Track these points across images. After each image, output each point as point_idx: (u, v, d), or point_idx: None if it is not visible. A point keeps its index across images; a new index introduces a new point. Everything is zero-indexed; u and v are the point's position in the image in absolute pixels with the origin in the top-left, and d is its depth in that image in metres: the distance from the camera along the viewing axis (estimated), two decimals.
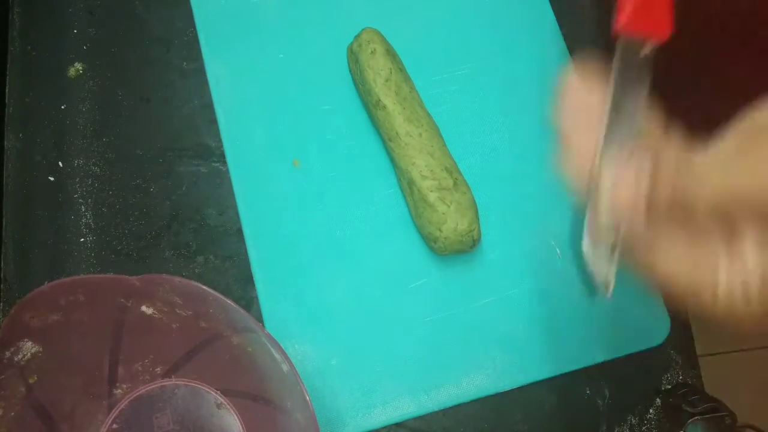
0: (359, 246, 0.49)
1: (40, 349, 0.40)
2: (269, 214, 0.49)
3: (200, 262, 0.49)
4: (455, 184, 0.47)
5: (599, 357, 0.49)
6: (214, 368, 0.45)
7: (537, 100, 0.54)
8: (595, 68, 0.42)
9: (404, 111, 0.48)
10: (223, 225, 0.50)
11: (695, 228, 0.30)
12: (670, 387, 0.49)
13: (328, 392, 0.46)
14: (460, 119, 0.52)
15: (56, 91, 0.52)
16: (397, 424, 0.47)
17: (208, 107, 0.51)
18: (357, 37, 0.50)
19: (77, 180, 0.50)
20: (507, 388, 0.48)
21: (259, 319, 0.47)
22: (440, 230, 0.46)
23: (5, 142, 0.50)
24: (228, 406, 0.45)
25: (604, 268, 0.32)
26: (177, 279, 0.39)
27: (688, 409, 0.45)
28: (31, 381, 0.40)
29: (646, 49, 0.34)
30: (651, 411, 0.49)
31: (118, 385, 0.44)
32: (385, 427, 0.47)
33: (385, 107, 0.48)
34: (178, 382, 0.45)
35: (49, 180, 0.50)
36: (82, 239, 0.49)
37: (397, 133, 0.47)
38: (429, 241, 0.47)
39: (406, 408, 0.47)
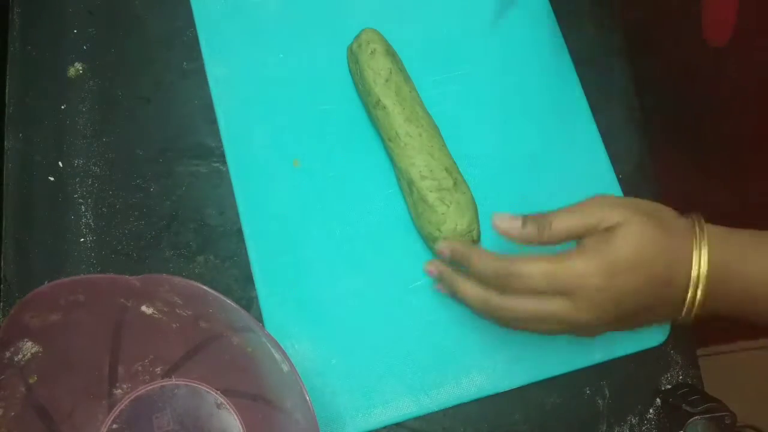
0: (359, 246, 0.49)
1: (40, 349, 0.40)
2: (269, 214, 0.49)
3: (200, 262, 0.49)
4: (455, 184, 0.47)
5: (599, 357, 0.49)
6: (214, 368, 0.45)
7: (537, 100, 0.54)
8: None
9: (404, 111, 0.48)
10: (223, 225, 0.50)
11: None
12: (670, 387, 0.49)
13: (328, 392, 0.46)
14: (460, 119, 0.52)
15: (56, 91, 0.51)
16: (397, 424, 0.47)
17: (208, 107, 0.51)
18: (357, 37, 0.50)
19: (77, 180, 0.50)
20: (507, 388, 0.48)
21: (259, 319, 0.47)
22: (440, 230, 0.46)
23: (5, 142, 0.50)
24: (228, 406, 0.45)
25: None
26: (177, 279, 0.39)
27: (688, 409, 0.45)
28: (31, 381, 0.40)
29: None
30: (651, 411, 0.49)
31: (118, 385, 0.44)
32: (385, 427, 0.47)
33: (384, 107, 0.48)
34: (178, 382, 0.45)
35: (49, 180, 0.50)
36: (82, 239, 0.49)
37: (396, 134, 0.47)
38: (429, 241, 0.47)
39: (406, 408, 0.47)
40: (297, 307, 0.48)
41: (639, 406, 0.49)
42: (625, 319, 0.41)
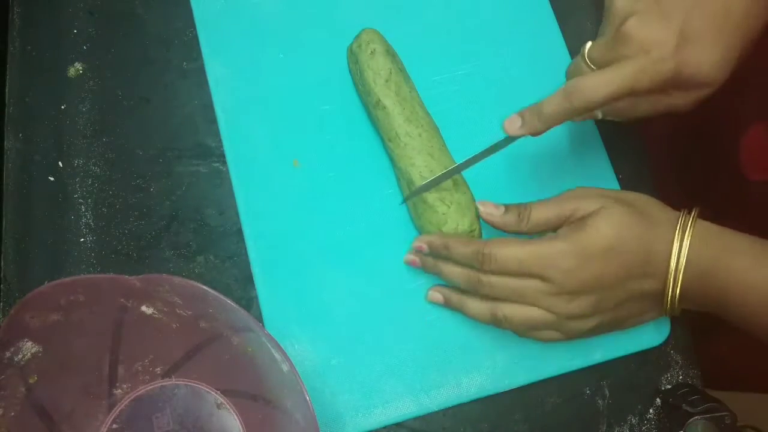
0: (359, 246, 0.49)
1: (40, 349, 0.40)
2: (269, 214, 0.49)
3: (200, 262, 0.49)
4: (455, 184, 0.47)
5: (599, 357, 0.49)
6: (214, 368, 0.45)
7: (537, 100, 0.54)
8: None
9: (404, 111, 0.48)
10: (223, 225, 0.50)
11: None
12: (670, 387, 0.49)
13: (328, 392, 0.46)
14: (460, 119, 0.52)
15: (56, 91, 0.51)
16: (397, 424, 0.47)
17: (208, 107, 0.51)
18: (357, 37, 0.49)
19: (77, 180, 0.50)
20: (507, 388, 0.48)
21: (259, 319, 0.47)
22: (441, 231, 0.46)
23: (5, 142, 0.50)
24: (228, 406, 0.45)
25: None
26: (177, 279, 0.39)
27: (688, 409, 0.45)
28: (31, 381, 0.40)
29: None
30: (651, 411, 0.49)
31: (118, 385, 0.44)
32: (385, 427, 0.47)
33: (384, 107, 0.48)
34: (178, 382, 0.45)
35: (49, 180, 0.50)
36: (82, 239, 0.49)
37: (396, 134, 0.47)
38: None
39: (406, 408, 0.47)
40: (297, 307, 0.48)
41: (639, 406, 0.49)
42: (606, 310, 0.41)
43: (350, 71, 0.52)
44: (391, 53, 0.49)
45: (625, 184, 0.53)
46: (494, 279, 0.42)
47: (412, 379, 0.47)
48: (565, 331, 0.43)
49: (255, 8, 0.53)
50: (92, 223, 0.49)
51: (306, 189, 0.50)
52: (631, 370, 0.49)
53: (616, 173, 0.53)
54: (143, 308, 0.42)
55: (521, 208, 0.43)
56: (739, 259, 0.38)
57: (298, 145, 0.51)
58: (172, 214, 0.50)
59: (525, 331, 0.44)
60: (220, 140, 0.51)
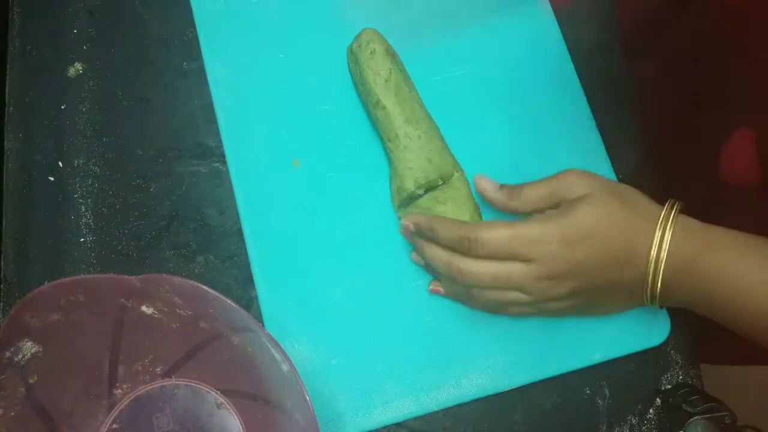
0: (359, 246, 0.49)
1: (40, 349, 0.40)
2: (269, 214, 0.49)
3: (200, 262, 0.49)
4: (445, 182, 0.47)
5: (599, 357, 0.49)
6: (214, 368, 0.45)
7: (537, 100, 0.54)
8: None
9: (404, 111, 0.48)
10: (223, 225, 0.50)
11: None
12: (670, 387, 0.49)
13: (328, 392, 0.46)
14: (459, 119, 0.52)
15: (56, 91, 0.51)
16: (397, 424, 0.47)
17: (208, 107, 0.51)
18: (357, 37, 0.49)
19: (77, 180, 0.50)
20: (507, 388, 0.48)
21: (259, 319, 0.47)
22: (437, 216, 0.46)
23: (5, 142, 0.50)
24: (228, 406, 0.45)
25: None
26: (177, 279, 0.39)
27: (688, 409, 0.45)
28: (31, 381, 0.40)
29: None
30: (651, 411, 0.49)
31: (118, 385, 0.44)
32: (385, 427, 0.47)
33: (384, 108, 0.48)
34: (178, 382, 0.45)
35: (49, 180, 0.50)
36: (82, 239, 0.49)
37: (396, 134, 0.47)
38: None
39: (406, 408, 0.47)
40: (297, 307, 0.48)
41: (639, 406, 0.49)
42: (586, 294, 0.42)
43: (350, 71, 0.52)
44: (391, 53, 0.49)
45: (625, 184, 0.53)
46: (476, 268, 0.42)
47: (412, 379, 0.47)
48: (538, 310, 0.44)
49: (255, 8, 0.53)
50: (92, 223, 0.49)
51: (306, 189, 0.50)
52: (631, 370, 0.49)
53: (616, 173, 0.53)
54: (143, 308, 0.42)
55: (513, 187, 0.45)
56: (721, 253, 0.39)
57: (298, 145, 0.51)
58: (172, 214, 0.50)
59: (496, 308, 0.45)
60: (220, 140, 0.51)
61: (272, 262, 0.48)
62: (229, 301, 0.38)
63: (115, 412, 0.44)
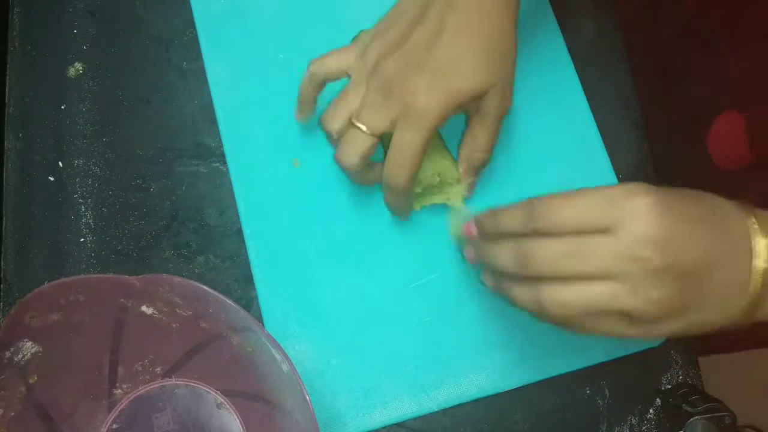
0: (359, 246, 0.49)
1: (40, 349, 0.40)
2: (269, 214, 0.49)
3: (200, 262, 0.49)
4: (442, 179, 0.47)
5: (599, 357, 0.49)
6: (214, 368, 0.45)
7: (537, 100, 0.54)
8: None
9: None
10: (223, 225, 0.50)
11: None
12: (670, 387, 0.49)
13: (328, 392, 0.46)
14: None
15: (56, 91, 0.51)
16: (397, 424, 0.47)
17: (208, 107, 0.51)
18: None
19: (77, 180, 0.50)
20: (507, 388, 0.48)
21: (259, 319, 0.47)
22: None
23: (5, 142, 0.50)
24: (228, 406, 0.45)
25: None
26: (177, 279, 0.39)
27: (688, 409, 0.45)
28: (31, 381, 0.40)
29: None
30: (651, 411, 0.49)
31: (118, 385, 0.44)
32: (385, 427, 0.47)
33: None
34: (178, 382, 0.45)
35: (49, 180, 0.50)
36: (82, 239, 0.49)
37: None
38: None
39: (406, 408, 0.47)
40: (297, 307, 0.48)
41: (639, 406, 0.49)
42: (684, 288, 0.31)
43: None
44: None
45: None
46: (545, 246, 0.33)
47: (412, 379, 0.47)
48: (641, 321, 0.32)
49: (255, 8, 0.53)
50: (92, 223, 0.49)
51: (306, 189, 0.50)
52: (631, 370, 0.49)
53: (616, 173, 0.53)
54: (143, 308, 0.42)
55: (528, 201, 0.35)
56: None
57: (298, 145, 0.51)
58: (172, 214, 0.50)
59: (581, 320, 0.33)
60: (220, 140, 0.51)
61: (272, 262, 0.48)
62: (229, 301, 0.38)
63: (115, 412, 0.44)
